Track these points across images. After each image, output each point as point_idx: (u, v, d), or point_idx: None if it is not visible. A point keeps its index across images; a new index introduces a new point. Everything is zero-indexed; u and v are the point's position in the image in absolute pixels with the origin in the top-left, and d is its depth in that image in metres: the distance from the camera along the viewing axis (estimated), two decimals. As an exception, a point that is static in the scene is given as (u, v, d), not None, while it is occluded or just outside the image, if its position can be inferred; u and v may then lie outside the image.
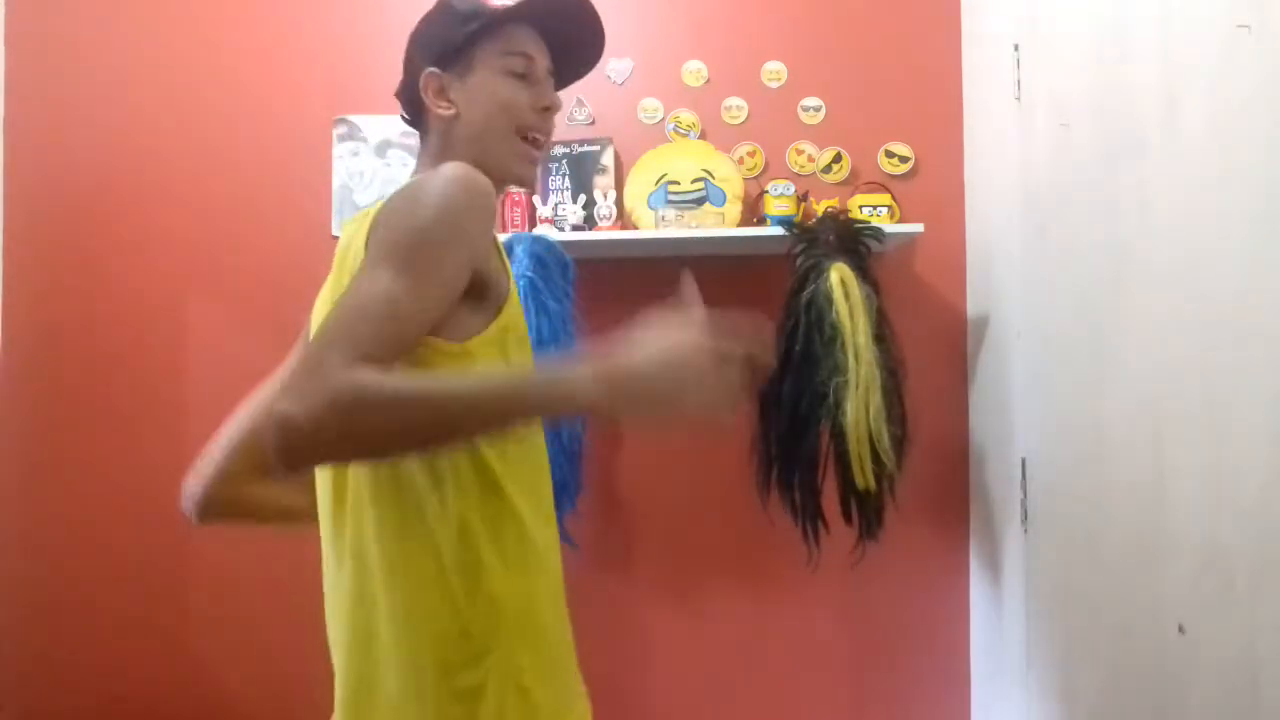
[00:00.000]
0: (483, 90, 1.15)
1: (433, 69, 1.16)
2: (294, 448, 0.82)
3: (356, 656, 1.03)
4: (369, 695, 1.02)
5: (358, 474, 1.04)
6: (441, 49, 1.16)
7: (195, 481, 1.21)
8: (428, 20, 1.21)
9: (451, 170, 0.99)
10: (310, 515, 1.15)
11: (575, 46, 1.23)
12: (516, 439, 1.05)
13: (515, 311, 1.10)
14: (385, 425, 0.85)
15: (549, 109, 1.19)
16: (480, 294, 1.03)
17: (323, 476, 1.10)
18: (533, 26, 1.18)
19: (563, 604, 1.16)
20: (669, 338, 0.94)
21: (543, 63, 1.19)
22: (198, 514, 1.21)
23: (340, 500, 1.06)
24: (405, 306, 0.91)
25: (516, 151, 1.17)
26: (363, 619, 1.02)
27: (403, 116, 1.24)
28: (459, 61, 1.16)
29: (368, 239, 0.99)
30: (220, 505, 1.22)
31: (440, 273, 0.96)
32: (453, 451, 0.98)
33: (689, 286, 1.03)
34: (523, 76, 1.17)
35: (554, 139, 2.08)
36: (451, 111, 1.16)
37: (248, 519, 1.25)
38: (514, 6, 1.16)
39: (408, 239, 0.95)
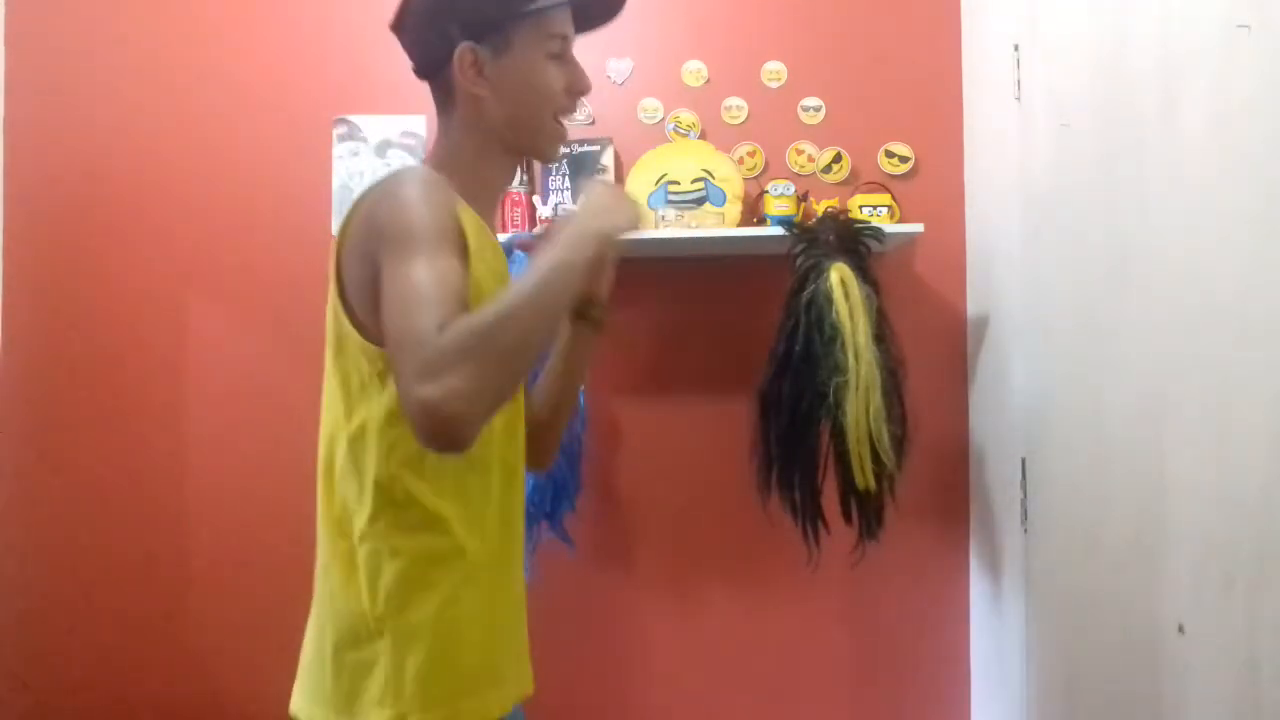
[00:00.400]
0: (520, 73, 1.14)
1: (469, 43, 1.12)
2: (454, 418, 0.89)
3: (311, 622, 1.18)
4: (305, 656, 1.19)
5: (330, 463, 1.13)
6: (480, 22, 1.13)
7: None
8: None
9: (412, 173, 1.07)
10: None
11: (596, 12, 1.22)
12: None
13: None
14: (501, 348, 0.93)
15: (581, 91, 1.19)
16: None
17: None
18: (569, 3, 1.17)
19: (502, 613, 1.17)
20: (584, 199, 1.09)
21: (573, 37, 1.19)
22: None
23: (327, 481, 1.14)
24: (450, 276, 0.97)
25: (548, 132, 1.19)
26: (320, 589, 1.16)
27: (414, 68, 1.20)
28: (495, 37, 1.13)
29: (348, 242, 1.07)
30: None
31: (454, 246, 1.02)
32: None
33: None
34: (559, 57, 1.16)
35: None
36: (486, 92, 1.14)
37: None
38: None
39: (418, 228, 1.00)
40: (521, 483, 1.23)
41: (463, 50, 1.12)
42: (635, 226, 1.10)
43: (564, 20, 1.16)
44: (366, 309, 1.06)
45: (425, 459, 1.07)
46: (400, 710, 1.05)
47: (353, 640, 1.09)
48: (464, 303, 0.96)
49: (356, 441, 1.08)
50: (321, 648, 1.12)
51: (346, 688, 1.09)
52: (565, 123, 1.21)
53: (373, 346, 1.06)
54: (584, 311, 1.29)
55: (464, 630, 1.10)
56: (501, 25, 1.13)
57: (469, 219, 1.11)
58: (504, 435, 1.16)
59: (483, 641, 1.13)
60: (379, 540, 1.08)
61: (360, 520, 1.08)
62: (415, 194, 1.03)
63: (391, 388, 1.04)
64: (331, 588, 1.12)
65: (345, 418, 1.09)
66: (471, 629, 1.11)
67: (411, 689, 1.06)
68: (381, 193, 1.06)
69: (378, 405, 1.07)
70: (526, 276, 0.98)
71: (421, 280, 0.96)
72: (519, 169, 2.11)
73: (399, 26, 1.19)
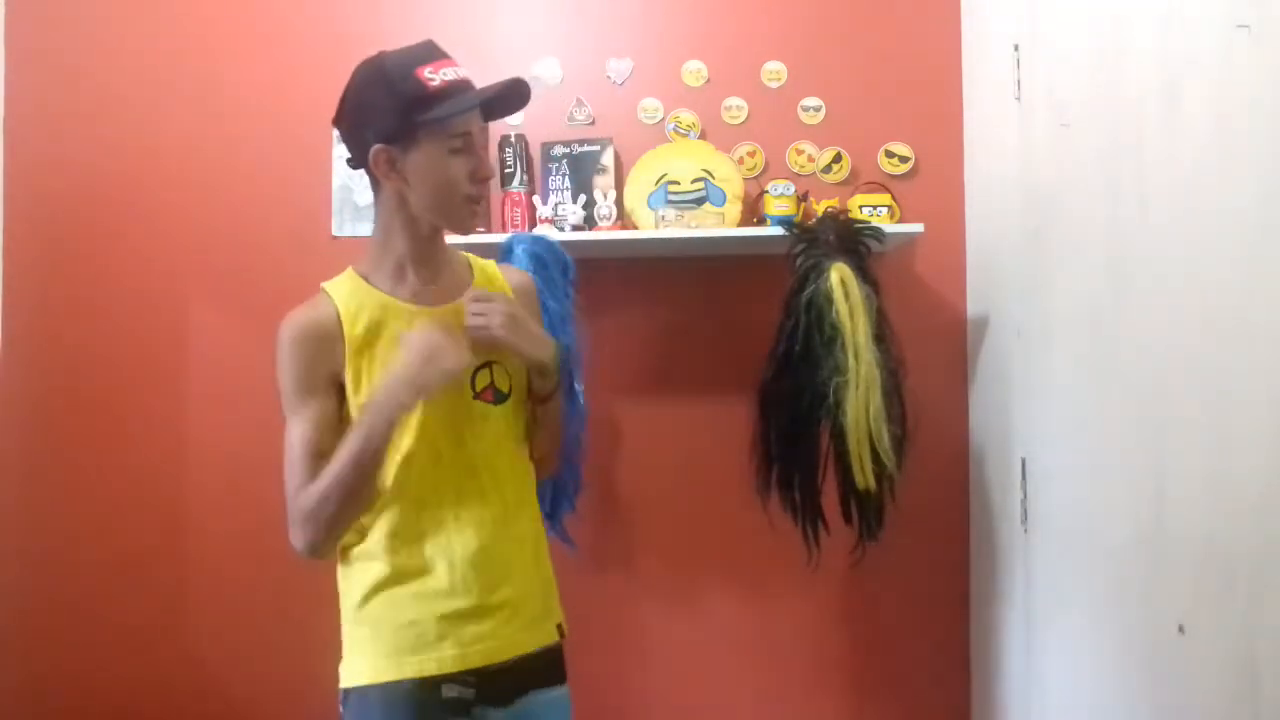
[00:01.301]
0: (427, 167, 1.35)
1: (380, 145, 1.34)
2: (311, 551, 1.37)
3: None
4: None
5: None
6: (388, 129, 1.33)
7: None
8: (368, 89, 1.37)
9: (283, 326, 1.40)
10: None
11: (501, 106, 1.44)
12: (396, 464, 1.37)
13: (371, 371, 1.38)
14: (329, 506, 1.32)
15: (485, 177, 1.41)
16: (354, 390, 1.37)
17: None
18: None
19: (403, 602, 1.39)
20: (407, 341, 1.33)
21: (477, 130, 1.41)
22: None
23: None
24: (309, 433, 1.36)
25: (459, 213, 1.40)
26: None
27: (347, 160, 1.41)
28: (404, 138, 1.34)
29: None
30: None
31: (309, 405, 1.37)
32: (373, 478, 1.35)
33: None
34: (461, 151, 1.36)
35: (556, 139, 2.11)
36: (400, 183, 1.36)
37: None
38: (461, 104, 1.34)
39: (285, 389, 1.39)
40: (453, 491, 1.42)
41: (376, 151, 1.34)
42: (456, 370, 1.32)
43: (466, 120, 1.37)
44: None
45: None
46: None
47: (352, 605, 1.43)
48: (323, 454, 1.33)
49: None
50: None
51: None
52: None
53: None
54: (537, 394, 1.49)
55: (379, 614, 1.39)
56: (408, 129, 1.33)
57: (368, 310, 1.38)
58: (427, 466, 1.39)
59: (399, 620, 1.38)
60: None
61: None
62: (281, 354, 1.38)
63: None
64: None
65: None
66: (385, 614, 1.39)
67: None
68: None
69: None
70: (347, 442, 1.30)
71: (291, 444, 1.36)
72: (520, 167, 2.12)
73: (335, 122, 1.43)
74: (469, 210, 1.41)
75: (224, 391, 2.25)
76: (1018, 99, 1.88)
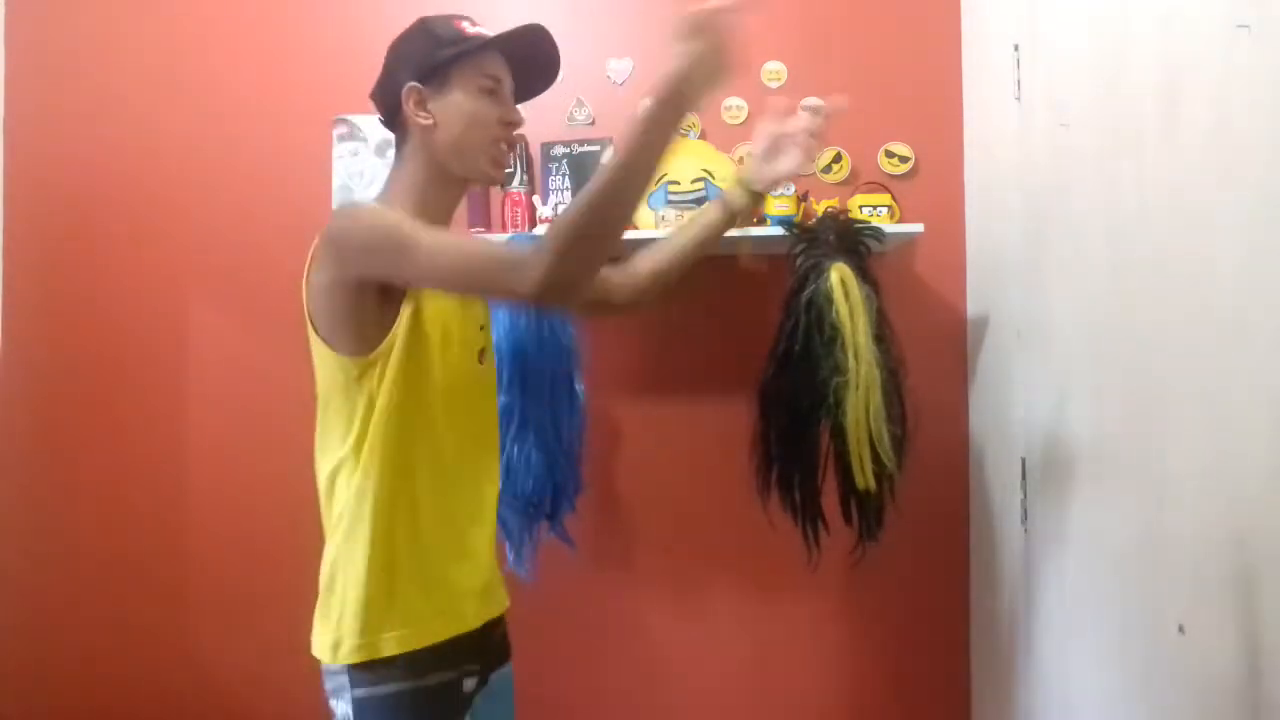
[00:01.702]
0: (458, 105, 1.36)
1: (414, 83, 1.36)
2: (557, 292, 1.16)
3: None
4: None
5: None
6: (421, 66, 1.36)
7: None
8: (407, 38, 1.41)
9: (359, 202, 1.33)
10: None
11: (535, 70, 1.45)
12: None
13: (432, 312, 1.34)
14: (591, 228, 1.15)
15: (513, 123, 1.41)
16: (387, 296, 1.29)
17: None
18: (502, 54, 1.41)
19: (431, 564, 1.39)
20: (682, 44, 1.19)
21: (508, 83, 1.42)
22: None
23: None
24: (454, 242, 1.23)
25: (488, 155, 1.39)
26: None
27: (380, 119, 1.43)
28: (436, 78, 1.36)
29: (314, 273, 1.30)
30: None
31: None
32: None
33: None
34: (492, 93, 1.38)
35: (554, 139, 2.11)
36: (430, 122, 1.36)
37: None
38: (491, 39, 1.37)
39: (395, 222, 1.25)
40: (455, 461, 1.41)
41: (409, 89, 1.36)
42: (726, 81, 1.21)
43: (496, 64, 1.40)
44: (333, 324, 1.30)
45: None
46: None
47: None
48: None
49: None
50: None
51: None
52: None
53: (344, 358, 1.30)
54: (752, 200, 1.57)
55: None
56: (442, 68, 1.36)
57: None
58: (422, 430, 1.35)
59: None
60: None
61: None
62: (372, 207, 1.31)
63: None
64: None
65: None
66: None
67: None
68: (338, 218, 1.29)
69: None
70: (625, 143, 1.15)
71: (448, 241, 1.22)
72: (520, 168, 2.12)
73: (373, 92, 1.43)
74: (496, 153, 1.40)
75: (224, 390, 2.25)
76: (1018, 99, 1.88)
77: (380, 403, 1.30)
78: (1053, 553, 1.74)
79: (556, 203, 2.11)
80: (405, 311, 1.31)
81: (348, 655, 1.30)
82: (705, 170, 2.08)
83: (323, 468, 1.37)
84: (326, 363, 1.33)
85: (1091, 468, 1.56)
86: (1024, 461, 1.85)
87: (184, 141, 2.28)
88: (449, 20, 1.39)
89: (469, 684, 1.38)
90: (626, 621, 2.24)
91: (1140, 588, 1.38)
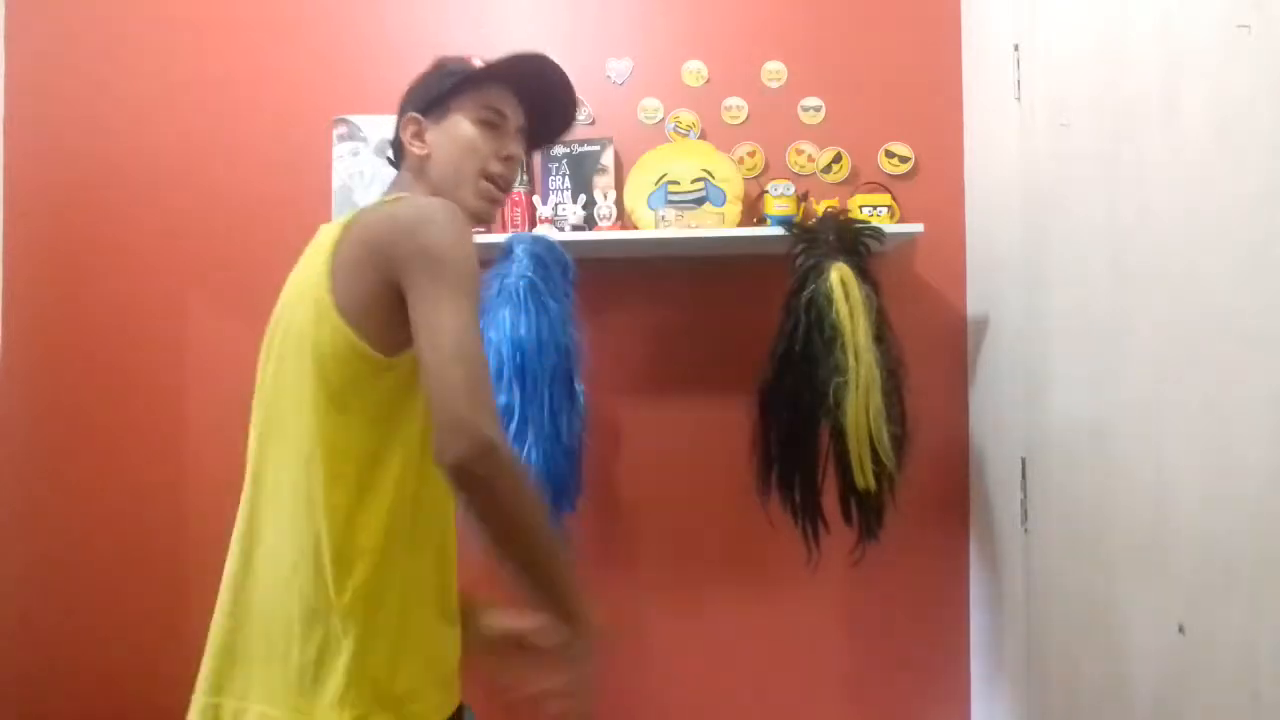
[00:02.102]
0: (453, 133, 1.31)
1: (413, 114, 1.32)
2: (470, 484, 1.04)
3: None
4: None
5: None
6: (425, 98, 1.33)
7: None
8: (422, 78, 1.37)
9: (441, 201, 1.17)
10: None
11: (550, 112, 1.41)
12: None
13: None
14: (507, 499, 1.08)
15: (510, 158, 1.33)
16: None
17: None
18: (512, 89, 1.35)
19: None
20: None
21: (515, 121, 1.35)
22: None
23: None
24: (479, 332, 1.10)
25: (477, 190, 1.31)
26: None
27: (388, 159, 1.40)
28: (438, 109, 1.32)
29: (342, 248, 1.16)
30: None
31: (474, 303, 1.11)
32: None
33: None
34: (493, 126, 1.32)
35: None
36: (425, 151, 1.32)
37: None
38: (492, 66, 1.32)
39: (459, 265, 1.10)
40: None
41: (407, 119, 1.33)
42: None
43: (502, 98, 1.33)
44: (365, 315, 1.14)
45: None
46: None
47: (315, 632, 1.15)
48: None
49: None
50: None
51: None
52: (496, 193, 1.32)
53: (368, 348, 1.14)
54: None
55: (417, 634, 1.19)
56: (444, 98, 1.32)
57: None
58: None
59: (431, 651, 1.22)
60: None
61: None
62: (457, 227, 1.13)
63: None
64: (285, 575, 1.18)
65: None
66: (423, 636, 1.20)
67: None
68: (427, 209, 1.14)
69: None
70: (545, 540, 1.15)
71: (468, 334, 1.07)
72: (522, 170, 2.12)
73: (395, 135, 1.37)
74: (483, 189, 1.31)
75: (224, 391, 2.25)
76: (1018, 99, 1.88)
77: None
78: (1053, 553, 1.74)
79: (557, 203, 2.11)
80: None
81: None
82: (705, 170, 2.08)
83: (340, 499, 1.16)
84: (353, 363, 1.15)
85: (1091, 468, 1.56)
86: (1024, 461, 1.85)
87: (184, 141, 2.28)
88: (463, 57, 1.36)
89: None
90: (626, 621, 2.24)
91: (1140, 588, 1.38)
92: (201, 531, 2.25)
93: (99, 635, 2.24)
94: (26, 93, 2.30)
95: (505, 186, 1.35)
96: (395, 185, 1.35)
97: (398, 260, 1.11)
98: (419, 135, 1.32)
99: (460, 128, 1.31)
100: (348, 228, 1.18)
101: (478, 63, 1.34)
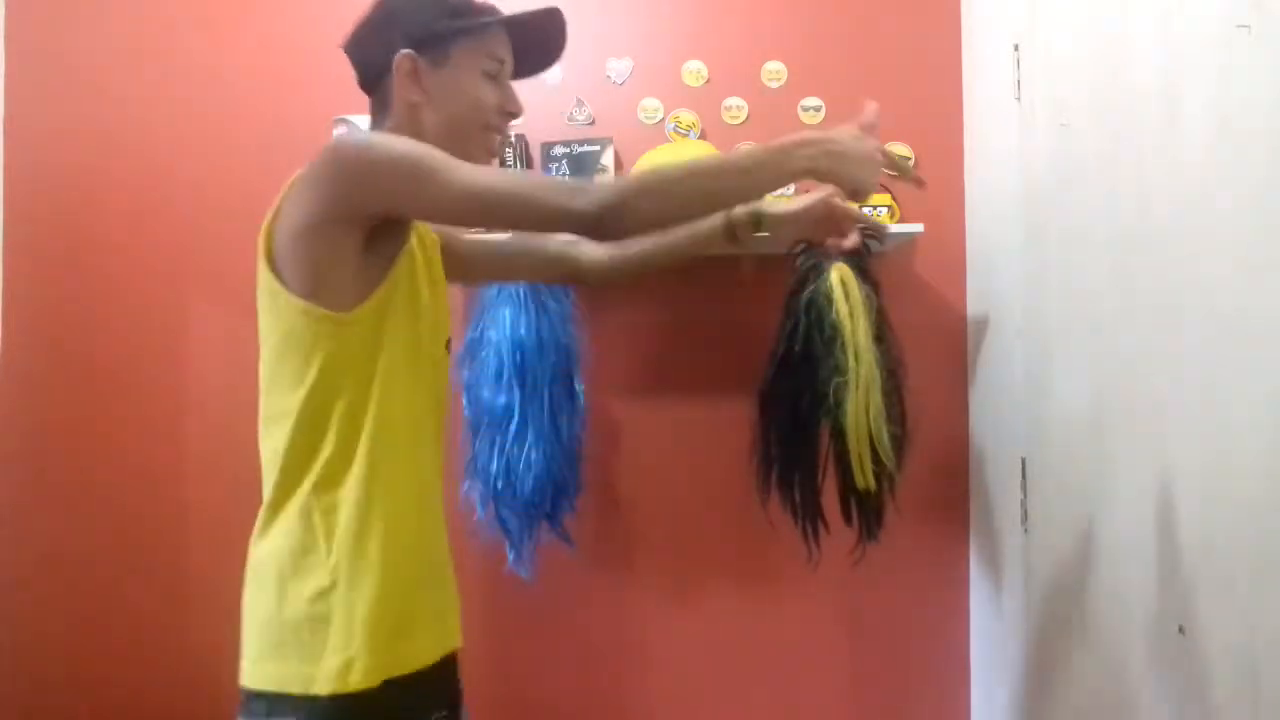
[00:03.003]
0: (455, 84, 1.23)
1: (409, 51, 1.21)
2: (614, 221, 1.10)
3: None
4: None
5: None
6: (422, 35, 1.21)
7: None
8: (413, 2, 1.25)
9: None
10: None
11: (535, 55, 1.34)
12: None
13: (403, 275, 1.21)
14: (678, 195, 1.14)
15: (512, 113, 1.29)
16: (383, 239, 1.16)
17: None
18: (509, 32, 1.28)
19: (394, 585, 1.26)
20: (848, 131, 1.22)
21: (509, 66, 1.30)
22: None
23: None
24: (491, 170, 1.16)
25: (480, 143, 1.27)
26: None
27: (357, 78, 1.30)
28: (436, 50, 1.22)
29: (315, 173, 1.14)
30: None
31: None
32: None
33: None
34: (494, 78, 1.26)
35: (554, 139, 2.11)
36: (420, 98, 1.23)
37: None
38: (508, 18, 1.26)
39: (429, 148, 1.13)
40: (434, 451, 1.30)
41: (402, 58, 1.21)
42: (864, 192, 1.21)
43: (502, 45, 1.27)
44: (308, 275, 1.13)
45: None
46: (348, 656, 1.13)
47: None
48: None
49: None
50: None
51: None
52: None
53: (319, 308, 1.12)
54: (753, 223, 1.48)
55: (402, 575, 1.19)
56: (442, 39, 1.22)
57: None
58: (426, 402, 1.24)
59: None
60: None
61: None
62: (383, 134, 1.18)
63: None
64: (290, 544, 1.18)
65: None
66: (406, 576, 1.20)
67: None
68: (340, 144, 1.15)
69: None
70: (736, 158, 1.20)
71: (484, 171, 1.13)
72: (520, 167, 2.12)
73: (348, 43, 1.29)
74: (489, 142, 1.28)
75: (224, 389, 2.25)
76: (1018, 99, 1.88)
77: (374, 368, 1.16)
78: (1053, 553, 1.74)
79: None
80: (400, 265, 1.18)
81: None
82: (705, 170, 2.08)
83: (278, 441, 1.17)
84: (289, 317, 1.14)
85: (1091, 468, 1.56)
86: (1024, 461, 1.85)
87: (184, 141, 2.28)
88: None
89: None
90: (626, 621, 2.24)
91: (1140, 588, 1.38)
92: (202, 530, 2.25)
93: (99, 634, 2.24)
94: (26, 93, 2.30)
95: (504, 136, 1.34)
96: (378, 125, 1.27)
97: (356, 190, 1.11)
98: (416, 79, 1.22)
99: (464, 79, 1.23)
100: (286, 191, 1.19)
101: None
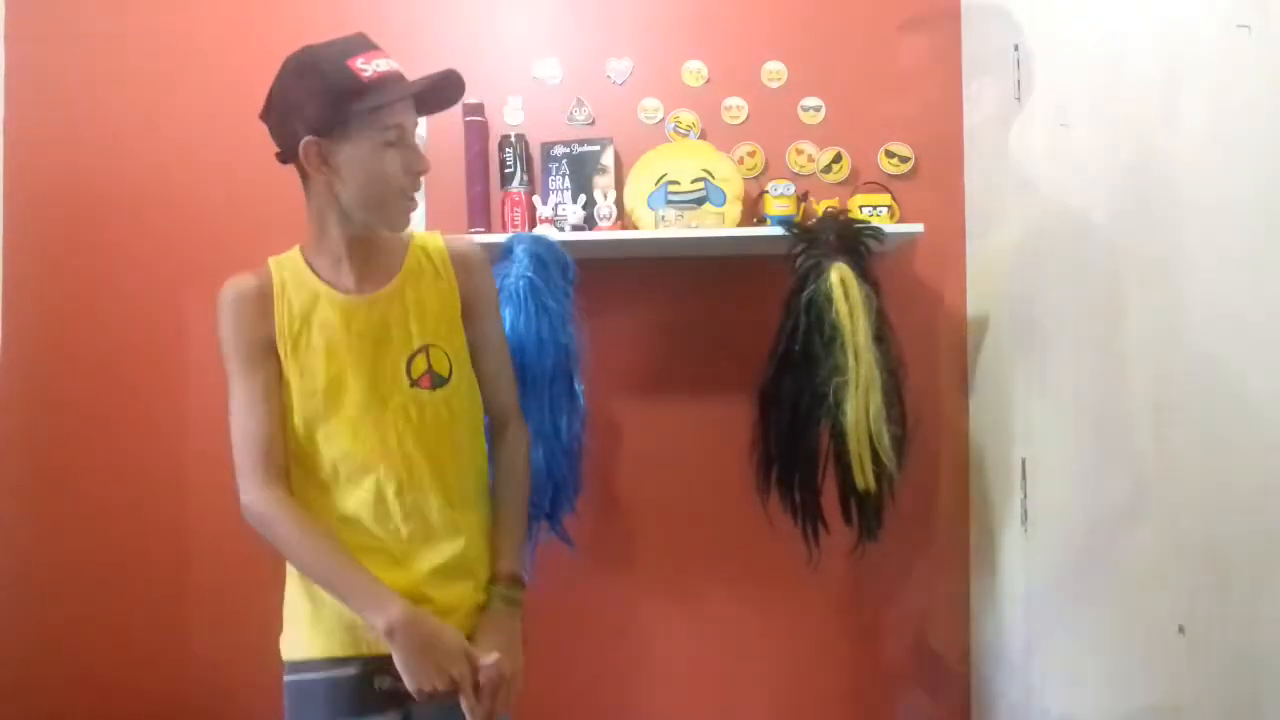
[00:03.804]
0: (361, 160, 1.32)
1: (311, 137, 1.30)
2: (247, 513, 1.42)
3: None
4: None
5: None
6: (319, 120, 1.30)
7: None
8: (299, 81, 1.33)
9: (223, 292, 1.49)
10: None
11: (437, 101, 1.41)
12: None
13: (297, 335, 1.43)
14: (275, 539, 1.42)
15: (419, 172, 1.37)
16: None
17: None
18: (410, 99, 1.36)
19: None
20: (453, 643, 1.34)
21: (411, 124, 1.36)
22: None
23: None
24: (254, 397, 1.47)
25: (394, 208, 1.37)
26: None
27: (276, 155, 1.40)
28: (336, 129, 1.31)
29: None
30: None
31: (253, 365, 1.47)
32: None
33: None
34: (395, 144, 1.33)
35: (554, 139, 2.11)
36: (331, 176, 1.33)
37: None
38: (394, 92, 1.31)
39: (225, 352, 1.49)
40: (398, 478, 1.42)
41: (306, 144, 1.31)
42: (411, 684, 1.33)
43: (400, 110, 1.33)
44: None
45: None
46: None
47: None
48: (272, 439, 1.45)
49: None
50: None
51: None
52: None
53: None
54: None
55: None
56: (340, 120, 1.30)
57: (302, 293, 1.41)
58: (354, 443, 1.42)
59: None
60: None
61: None
62: (222, 315, 1.49)
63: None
64: None
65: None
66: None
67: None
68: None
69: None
70: (335, 565, 1.39)
71: (238, 405, 1.49)
72: (520, 167, 2.12)
73: (263, 116, 1.39)
74: (402, 205, 1.38)
75: (223, 390, 2.24)
76: (1018, 99, 1.88)
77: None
78: (1053, 554, 1.74)
79: (557, 202, 2.11)
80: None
81: None
82: (705, 170, 2.08)
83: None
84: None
85: (1091, 468, 1.56)
86: (1024, 461, 1.85)
87: (184, 142, 2.28)
88: (341, 60, 1.32)
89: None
90: (626, 621, 2.24)
91: (1140, 588, 1.38)
92: (202, 530, 2.25)
93: (99, 634, 2.24)
94: (26, 93, 2.30)
95: (415, 192, 1.40)
96: (311, 210, 1.41)
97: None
98: (323, 160, 1.32)
99: (368, 153, 1.32)
100: None
101: (361, 66, 1.31)
